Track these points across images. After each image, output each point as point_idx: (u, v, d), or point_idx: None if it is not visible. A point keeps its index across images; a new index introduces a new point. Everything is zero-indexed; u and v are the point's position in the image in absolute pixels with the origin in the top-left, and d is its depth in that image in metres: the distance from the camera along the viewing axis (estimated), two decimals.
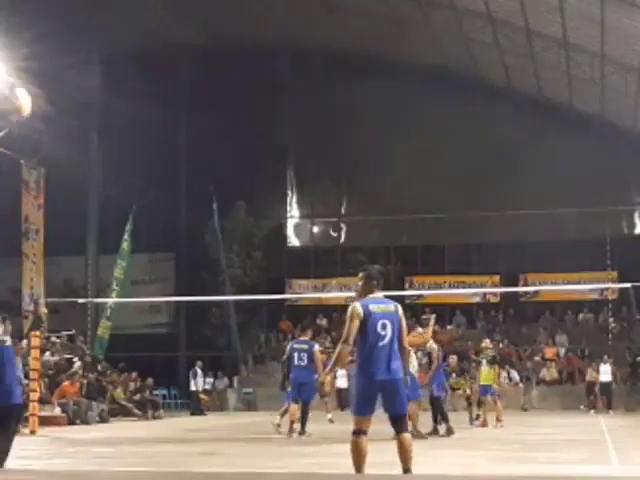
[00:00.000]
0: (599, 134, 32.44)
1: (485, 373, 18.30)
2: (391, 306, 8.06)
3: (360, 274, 8.23)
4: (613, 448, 12.77)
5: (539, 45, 28.89)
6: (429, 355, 15.81)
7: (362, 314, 7.86)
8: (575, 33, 27.15)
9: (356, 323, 7.83)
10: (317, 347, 15.80)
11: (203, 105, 34.34)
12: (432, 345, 15.86)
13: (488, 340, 21.36)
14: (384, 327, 7.86)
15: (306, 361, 15.35)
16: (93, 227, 32.73)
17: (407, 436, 7.82)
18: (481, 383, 18.41)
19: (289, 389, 15.87)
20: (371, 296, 8.07)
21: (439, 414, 15.73)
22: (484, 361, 18.32)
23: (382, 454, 8.72)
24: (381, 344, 7.82)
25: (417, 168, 34.20)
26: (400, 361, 7.91)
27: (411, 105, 34.41)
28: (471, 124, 34.01)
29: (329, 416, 20.15)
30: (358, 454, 7.71)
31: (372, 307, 7.94)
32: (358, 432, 7.74)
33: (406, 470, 7.76)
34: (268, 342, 34.53)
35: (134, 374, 26.55)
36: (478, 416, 18.91)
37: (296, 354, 15.48)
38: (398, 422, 7.82)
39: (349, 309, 7.99)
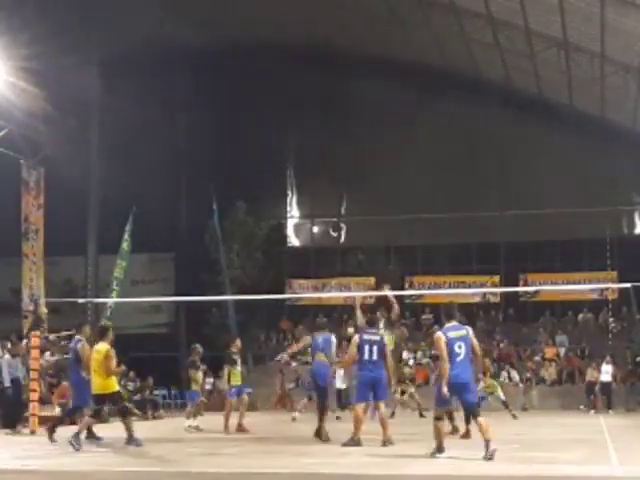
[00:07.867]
0: (599, 134, 32.44)
1: None
2: (463, 331, 10.96)
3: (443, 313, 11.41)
4: (613, 448, 12.75)
5: (539, 45, 28.87)
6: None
7: (445, 339, 10.76)
8: (575, 33, 27.13)
9: (445, 346, 10.70)
10: (334, 338, 15.38)
11: (203, 105, 34.33)
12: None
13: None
14: (460, 347, 10.72)
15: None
16: (93, 227, 32.62)
17: (480, 419, 10.72)
18: None
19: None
20: (448, 325, 11.00)
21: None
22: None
23: (378, 454, 8.71)
24: (459, 359, 10.69)
25: (417, 168, 34.24)
26: (471, 370, 10.90)
27: (411, 105, 34.43)
28: (471, 124, 34.02)
29: (295, 414, 20.19)
30: (439, 433, 11.01)
31: (450, 334, 10.83)
32: (438, 418, 11.05)
33: (487, 440, 10.56)
34: (268, 342, 34.52)
35: (131, 373, 26.50)
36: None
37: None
38: (470, 412, 11.06)
39: (436, 337, 11.11)
